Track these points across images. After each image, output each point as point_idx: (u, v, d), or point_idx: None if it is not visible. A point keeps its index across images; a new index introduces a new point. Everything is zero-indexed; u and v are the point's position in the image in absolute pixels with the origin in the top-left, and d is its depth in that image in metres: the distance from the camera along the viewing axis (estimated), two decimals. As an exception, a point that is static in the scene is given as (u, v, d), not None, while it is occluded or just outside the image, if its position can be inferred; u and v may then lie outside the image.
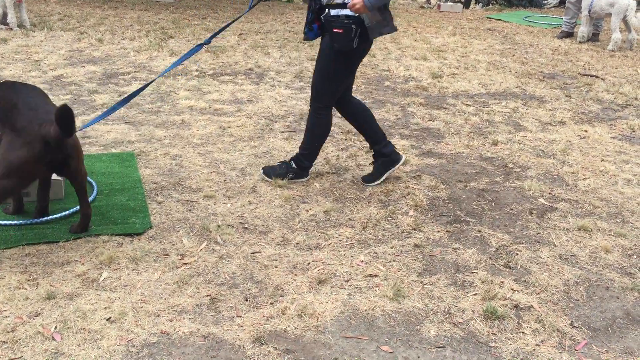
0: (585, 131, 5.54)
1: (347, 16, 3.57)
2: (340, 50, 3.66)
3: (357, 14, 3.57)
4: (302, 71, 7.26)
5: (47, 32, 9.06)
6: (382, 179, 4.22)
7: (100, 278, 3.01)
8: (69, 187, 3.92)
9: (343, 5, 3.61)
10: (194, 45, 8.50)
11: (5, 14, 8.90)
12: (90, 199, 3.74)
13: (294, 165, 4.15)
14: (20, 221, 3.44)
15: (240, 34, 9.43)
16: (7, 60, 7.20)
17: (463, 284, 3.10)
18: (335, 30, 3.59)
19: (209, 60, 7.70)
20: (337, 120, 5.56)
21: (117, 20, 10.26)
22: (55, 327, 2.64)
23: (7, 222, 3.43)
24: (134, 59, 7.60)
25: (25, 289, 2.90)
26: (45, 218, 3.49)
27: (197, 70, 7.16)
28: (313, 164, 4.25)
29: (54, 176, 3.78)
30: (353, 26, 3.55)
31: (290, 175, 4.14)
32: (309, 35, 3.83)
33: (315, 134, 4.10)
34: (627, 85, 7.11)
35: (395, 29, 3.79)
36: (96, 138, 4.87)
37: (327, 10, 3.67)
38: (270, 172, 4.16)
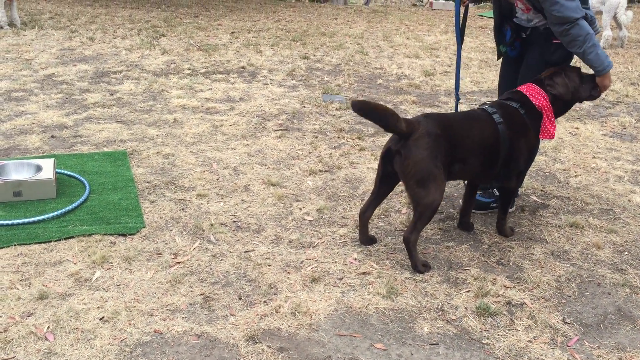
0: (577, 128, 5.56)
1: None
2: (558, 61, 3.53)
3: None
4: (295, 69, 7.25)
5: (38, 31, 9.02)
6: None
7: (93, 277, 3.00)
8: (61, 187, 3.91)
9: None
10: (188, 44, 8.48)
11: (-5, 13, 8.86)
12: (82, 198, 3.73)
13: (497, 193, 3.80)
14: (12, 221, 3.43)
15: (232, 32, 9.41)
16: (-3, 59, 7.17)
17: (456, 281, 3.11)
18: (554, 41, 3.45)
19: (201, 58, 7.69)
20: (330, 118, 5.56)
21: (108, 19, 10.22)
22: (48, 327, 2.63)
23: (-1, 222, 3.42)
24: (126, 58, 7.57)
25: (18, 288, 2.89)
26: (37, 218, 3.48)
27: (189, 69, 7.14)
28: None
29: (45, 175, 3.76)
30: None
31: (495, 205, 3.85)
32: (511, 54, 3.76)
33: None
34: (618, 83, 7.15)
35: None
36: (88, 137, 4.85)
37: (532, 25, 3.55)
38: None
